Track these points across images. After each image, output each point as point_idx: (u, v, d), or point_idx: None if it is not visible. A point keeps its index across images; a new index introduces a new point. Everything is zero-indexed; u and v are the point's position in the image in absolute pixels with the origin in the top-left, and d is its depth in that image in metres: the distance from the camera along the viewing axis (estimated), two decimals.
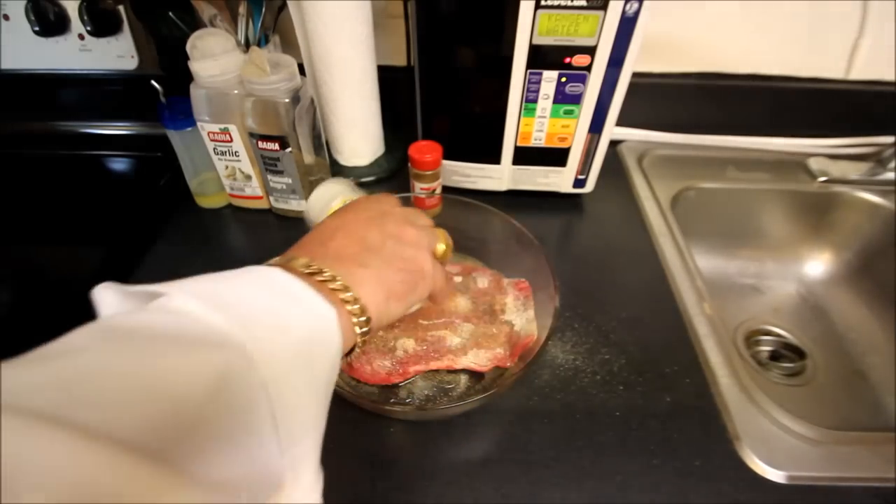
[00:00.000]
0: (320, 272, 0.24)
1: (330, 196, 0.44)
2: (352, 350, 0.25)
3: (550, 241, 0.54)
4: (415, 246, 0.29)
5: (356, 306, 0.24)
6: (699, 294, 0.48)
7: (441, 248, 0.33)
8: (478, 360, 0.40)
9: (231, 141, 0.50)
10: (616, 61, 0.45)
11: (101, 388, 0.15)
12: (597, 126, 0.50)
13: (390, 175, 0.62)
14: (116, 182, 0.62)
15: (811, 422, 0.38)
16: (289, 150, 0.49)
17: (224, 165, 0.53)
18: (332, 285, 0.24)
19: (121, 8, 0.58)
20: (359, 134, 0.60)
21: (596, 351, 0.43)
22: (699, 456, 0.36)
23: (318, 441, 0.21)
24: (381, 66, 0.56)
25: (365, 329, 0.25)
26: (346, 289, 0.24)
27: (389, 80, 0.58)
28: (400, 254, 0.28)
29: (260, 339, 0.19)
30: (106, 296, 0.20)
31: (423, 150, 0.48)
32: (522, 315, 0.43)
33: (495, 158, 0.54)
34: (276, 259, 0.25)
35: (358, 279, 0.25)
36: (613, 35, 0.43)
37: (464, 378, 0.41)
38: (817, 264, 0.65)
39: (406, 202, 0.49)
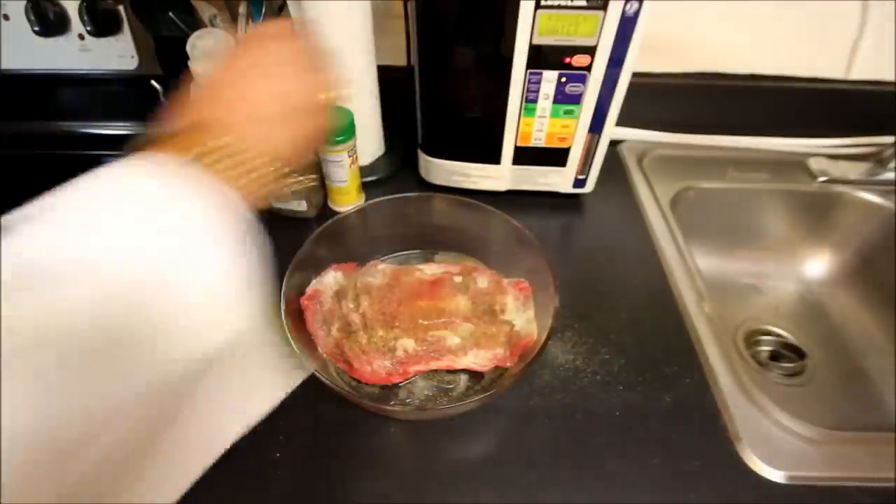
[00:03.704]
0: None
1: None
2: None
3: (550, 241, 0.54)
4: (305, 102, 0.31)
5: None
6: (699, 294, 0.48)
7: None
8: (478, 360, 0.40)
9: None
10: (616, 61, 0.45)
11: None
12: (597, 126, 0.50)
13: (391, 175, 0.62)
14: None
15: (811, 422, 0.38)
16: None
17: None
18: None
19: (121, 8, 0.58)
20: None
21: (596, 351, 0.43)
22: (699, 456, 0.36)
23: None
24: (381, 66, 0.56)
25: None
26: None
27: (389, 80, 0.58)
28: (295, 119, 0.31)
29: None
30: None
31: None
32: (522, 315, 0.43)
33: (495, 158, 0.54)
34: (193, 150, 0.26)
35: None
36: (613, 35, 0.43)
37: (464, 378, 0.41)
38: (817, 264, 0.65)
39: None
